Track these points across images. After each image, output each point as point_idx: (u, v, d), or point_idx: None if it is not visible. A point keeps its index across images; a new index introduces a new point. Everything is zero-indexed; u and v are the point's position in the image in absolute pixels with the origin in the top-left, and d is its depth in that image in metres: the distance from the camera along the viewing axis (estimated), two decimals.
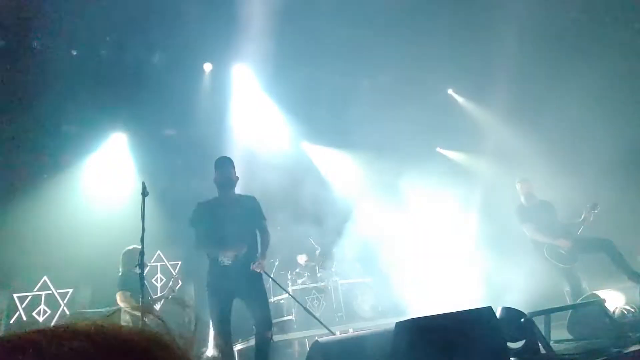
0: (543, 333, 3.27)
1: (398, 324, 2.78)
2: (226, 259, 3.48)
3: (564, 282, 5.46)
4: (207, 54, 6.73)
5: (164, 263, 6.72)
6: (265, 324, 3.56)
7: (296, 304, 5.75)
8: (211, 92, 6.98)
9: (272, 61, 6.55)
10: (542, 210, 5.53)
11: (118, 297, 4.81)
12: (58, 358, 0.37)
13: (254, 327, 3.63)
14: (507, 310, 3.29)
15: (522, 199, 5.67)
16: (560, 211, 5.75)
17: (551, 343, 3.31)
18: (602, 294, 4.17)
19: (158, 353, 0.42)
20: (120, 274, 4.95)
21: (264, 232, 3.86)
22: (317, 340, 2.99)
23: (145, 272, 3.51)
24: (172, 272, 6.72)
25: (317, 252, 6.58)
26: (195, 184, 7.35)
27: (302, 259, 6.51)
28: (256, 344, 3.58)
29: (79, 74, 5.91)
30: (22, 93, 5.86)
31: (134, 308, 4.82)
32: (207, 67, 6.86)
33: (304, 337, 5.53)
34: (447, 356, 2.58)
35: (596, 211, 5.27)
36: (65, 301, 6.12)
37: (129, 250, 4.91)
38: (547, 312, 3.65)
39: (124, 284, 4.82)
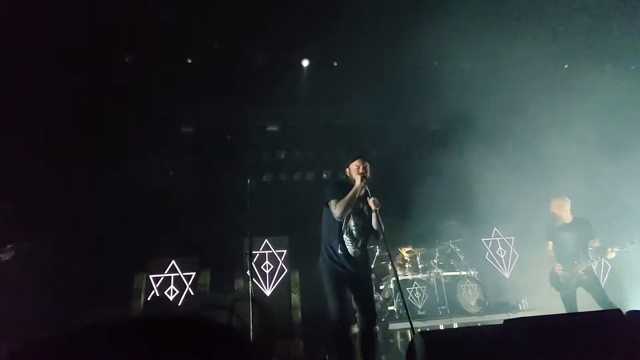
0: None
1: (507, 322, 2.60)
2: (350, 248, 3.61)
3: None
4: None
5: (271, 251, 7.18)
6: (371, 320, 3.58)
7: (397, 295, 5.73)
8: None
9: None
10: (568, 230, 5.22)
11: None
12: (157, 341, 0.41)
13: (358, 320, 3.64)
14: None
15: (551, 217, 5.42)
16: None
17: None
18: None
19: (249, 345, 0.45)
20: None
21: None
22: (419, 332, 2.95)
23: (254, 260, 3.82)
24: (278, 260, 7.16)
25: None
26: (297, 176, 7.80)
27: (405, 250, 6.45)
28: (361, 338, 3.58)
29: None
30: None
31: None
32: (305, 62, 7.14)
33: (406, 329, 5.49)
34: None
35: (631, 246, 4.84)
36: (189, 283, 6.90)
37: None
38: None
39: None
